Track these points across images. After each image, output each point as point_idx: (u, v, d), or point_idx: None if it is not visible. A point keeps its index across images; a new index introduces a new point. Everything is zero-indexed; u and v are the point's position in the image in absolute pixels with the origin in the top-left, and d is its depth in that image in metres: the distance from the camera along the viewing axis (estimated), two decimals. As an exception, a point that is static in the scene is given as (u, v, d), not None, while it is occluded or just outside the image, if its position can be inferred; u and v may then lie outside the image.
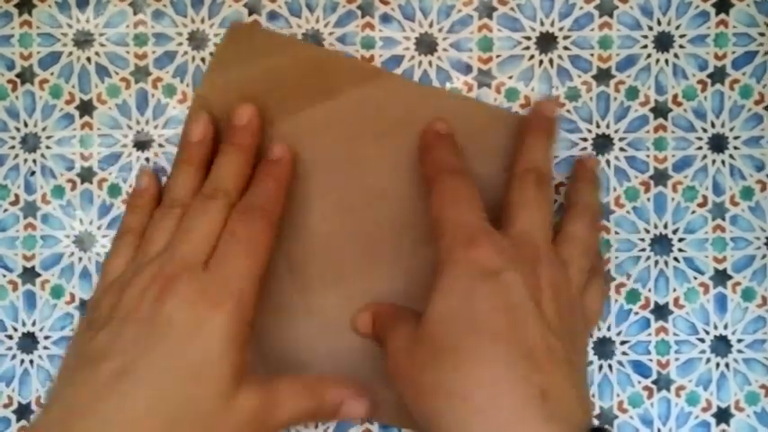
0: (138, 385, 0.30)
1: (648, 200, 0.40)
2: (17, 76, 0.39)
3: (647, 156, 0.40)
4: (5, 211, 0.39)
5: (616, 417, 0.39)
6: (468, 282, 0.31)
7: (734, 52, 0.40)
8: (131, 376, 0.30)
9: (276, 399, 0.33)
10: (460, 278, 0.31)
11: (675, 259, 0.40)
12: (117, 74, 0.39)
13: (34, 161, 0.39)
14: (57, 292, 0.39)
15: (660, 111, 0.40)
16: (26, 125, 0.39)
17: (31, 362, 0.39)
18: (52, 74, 0.39)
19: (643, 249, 0.40)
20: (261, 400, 0.32)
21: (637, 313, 0.40)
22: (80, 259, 0.39)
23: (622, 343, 0.39)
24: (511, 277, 0.31)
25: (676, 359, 0.40)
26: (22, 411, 0.39)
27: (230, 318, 0.31)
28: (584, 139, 0.40)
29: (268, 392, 0.32)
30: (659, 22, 0.39)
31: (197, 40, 0.39)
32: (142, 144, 0.39)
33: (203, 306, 0.31)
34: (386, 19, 0.39)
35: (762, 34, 0.40)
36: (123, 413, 0.29)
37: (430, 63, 0.39)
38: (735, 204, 0.40)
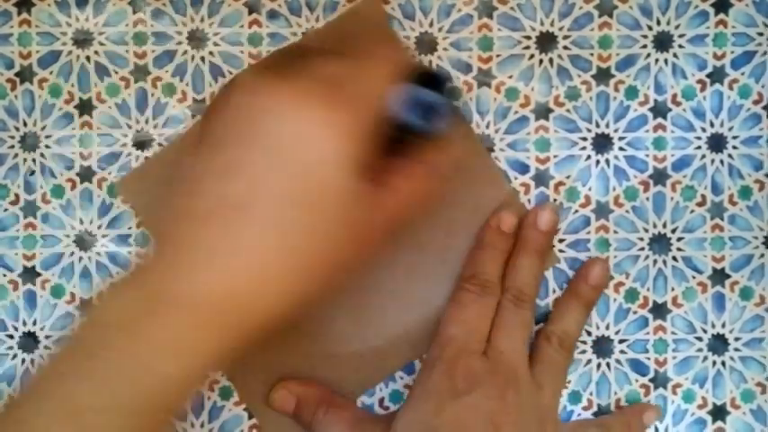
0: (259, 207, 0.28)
1: (647, 199, 0.40)
2: (16, 75, 0.39)
3: (647, 155, 0.40)
4: (5, 210, 0.39)
5: (614, 414, 0.40)
6: (438, 399, 0.35)
7: (733, 52, 0.40)
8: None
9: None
10: (432, 394, 0.35)
11: (674, 258, 0.40)
12: (116, 73, 0.39)
13: (34, 160, 0.39)
14: (57, 291, 0.39)
15: (659, 110, 0.40)
16: (25, 124, 0.39)
17: (32, 361, 0.39)
18: (51, 73, 0.39)
19: (642, 248, 0.40)
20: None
21: (635, 312, 0.40)
22: (80, 259, 0.39)
23: (621, 341, 0.40)
24: (476, 400, 0.34)
25: (674, 357, 0.40)
26: (24, 410, 0.39)
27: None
28: (584, 139, 0.40)
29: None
30: (659, 22, 0.40)
31: (196, 39, 0.39)
32: (142, 143, 0.39)
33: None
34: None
35: (760, 34, 0.40)
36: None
37: (430, 62, 0.39)
38: (733, 204, 0.40)
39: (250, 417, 0.39)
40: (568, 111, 0.40)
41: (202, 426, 0.39)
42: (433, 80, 0.32)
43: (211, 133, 0.30)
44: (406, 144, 0.32)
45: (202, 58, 0.39)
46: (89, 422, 0.26)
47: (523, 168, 0.40)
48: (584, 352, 0.40)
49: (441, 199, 0.38)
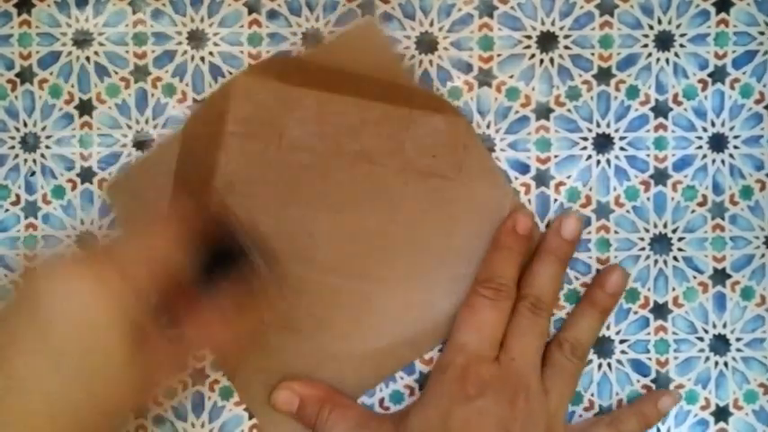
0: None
1: (648, 199, 0.40)
2: (16, 75, 0.39)
3: (647, 155, 0.40)
4: (6, 211, 0.39)
5: (615, 415, 0.40)
6: (449, 403, 0.35)
7: (734, 51, 0.40)
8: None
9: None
10: (443, 398, 0.36)
11: (675, 258, 0.40)
12: (116, 73, 0.39)
13: (34, 161, 0.39)
14: (58, 291, 0.39)
15: (660, 110, 0.40)
16: (26, 125, 0.39)
17: (33, 361, 0.39)
18: (51, 73, 0.39)
19: (642, 249, 0.40)
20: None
21: (636, 312, 0.40)
22: (81, 259, 0.39)
23: (621, 342, 0.40)
24: (485, 405, 0.35)
25: (675, 358, 0.40)
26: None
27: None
28: (585, 139, 0.40)
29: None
30: (660, 21, 0.39)
31: (196, 39, 0.39)
32: (142, 144, 0.39)
33: None
34: (386, 18, 0.39)
35: (762, 33, 0.40)
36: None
37: (430, 62, 0.39)
38: (734, 204, 0.40)
39: (250, 417, 0.39)
40: (569, 110, 0.40)
41: (203, 426, 0.39)
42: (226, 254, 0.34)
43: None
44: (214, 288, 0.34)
45: (202, 59, 0.39)
46: None
47: (524, 168, 0.40)
48: (584, 352, 0.40)
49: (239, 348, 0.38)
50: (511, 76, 0.40)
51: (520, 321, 0.37)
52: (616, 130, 0.40)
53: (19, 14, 0.39)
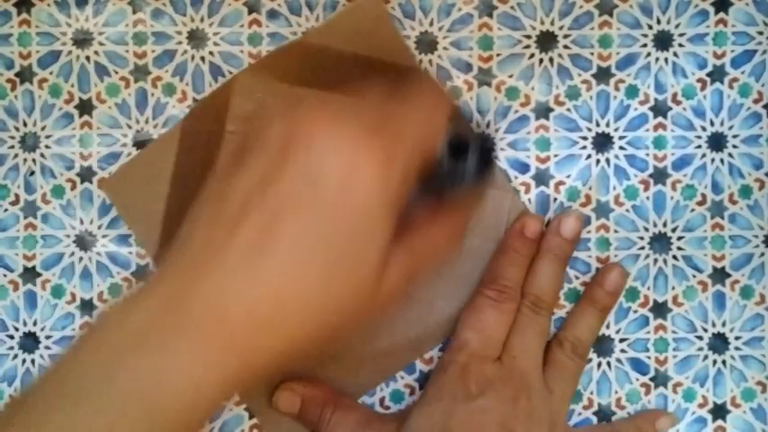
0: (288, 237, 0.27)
1: (648, 198, 0.40)
2: (16, 75, 0.39)
3: (647, 154, 0.40)
4: (5, 210, 0.39)
5: (614, 413, 0.40)
6: (451, 402, 0.35)
7: (733, 51, 0.40)
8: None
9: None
10: (445, 396, 0.36)
11: (674, 257, 0.40)
12: (116, 73, 0.39)
13: (34, 161, 0.39)
14: (57, 291, 0.39)
15: (659, 109, 0.40)
16: (25, 125, 0.39)
17: (33, 361, 0.39)
18: (51, 73, 0.39)
19: (642, 248, 0.40)
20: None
21: (635, 311, 0.40)
22: (80, 259, 0.39)
23: (621, 340, 0.40)
24: (488, 404, 0.35)
25: (674, 356, 0.40)
26: (24, 410, 0.39)
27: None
28: (584, 138, 0.40)
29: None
30: (659, 21, 0.40)
31: (196, 38, 0.39)
32: (142, 143, 0.39)
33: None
34: (386, 17, 0.39)
35: (761, 33, 0.40)
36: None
37: (430, 62, 0.39)
38: (733, 203, 0.40)
39: (251, 417, 0.39)
40: (569, 110, 0.40)
41: (203, 425, 0.39)
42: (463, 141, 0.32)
43: (251, 152, 0.29)
44: (440, 190, 0.32)
45: (202, 58, 0.39)
46: None
47: (524, 168, 0.40)
48: (584, 351, 0.40)
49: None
50: (510, 76, 0.40)
51: (521, 320, 0.37)
52: (615, 130, 0.40)
53: (19, 14, 0.39)
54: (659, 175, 0.40)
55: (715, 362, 0.40)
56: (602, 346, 0.40)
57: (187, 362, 0.26)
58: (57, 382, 0.27)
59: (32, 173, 0.39)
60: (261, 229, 0.27)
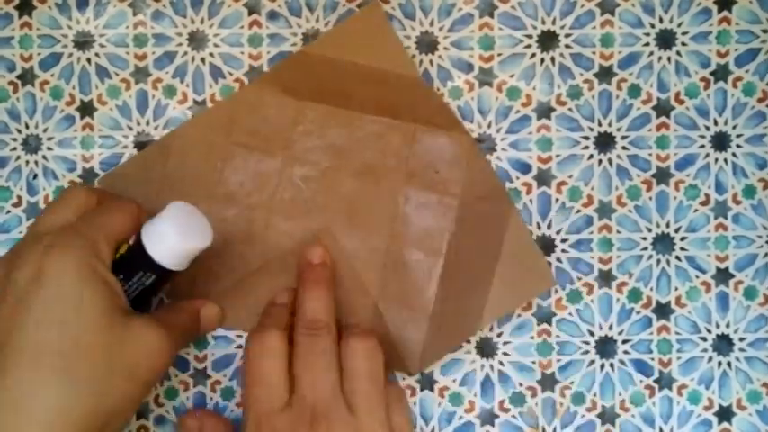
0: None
1: (650, 198, 0.40)
2: (18, 77, 0.39)
3: (650, 154, 0.39)
4: (8, 213, 0.39)
5: (618, 415, 0.39)
6: None
7: (737, 49, 0.39)
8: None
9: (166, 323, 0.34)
10: None
11: (677, 258, 0.40)
12: (117, 75, 0.39)
13: (36, 163, 0.39)
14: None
15: (662, 109, 0.39)
16: (27, 127, 0.39)
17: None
18: (53, 75, 0.39)
19: (645, 248, 0.40)
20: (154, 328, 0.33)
21: (639, 312, 0.39)
22: (82, 260, 0.39)
23: (624, 342, 0.39)
24: None
25: (678, 358, 0.40)
26: (27, 412, 0.39)
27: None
28: (586, 138, 0.39)
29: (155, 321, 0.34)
30: (661, 20, 0.39)
31: (197, 40, 0.39)
32: (143, 145, 0.39)
33: None
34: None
35: (765, 31, 0.39)
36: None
37: (431, 62, 0.39)
38: (737, 203, 0.40)
39: (252, 418, 0.39)
40: (570, 110, 0.39)
41: (204, 427, 0.39)
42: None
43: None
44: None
45: (203, 60, 0.39)
46: None
47: (525, 168, 0.39)
48: (587, 352, 0.39)
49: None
50: (512, 76, 0.39)
51: (299, 351, 0.35)
52: (618, 129, 0.39)
53: (20, 16, 0.39)
54: (662, 175, 0.39)
55: (720, 363, 0.40)
56: (605, 347, 0.39)
57: None
58: None
59: (35, 176, 0.39)
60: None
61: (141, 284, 0.34)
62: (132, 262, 0.33)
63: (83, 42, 0.39)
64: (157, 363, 0.33)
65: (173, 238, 0.33)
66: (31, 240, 0.33)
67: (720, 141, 0.39)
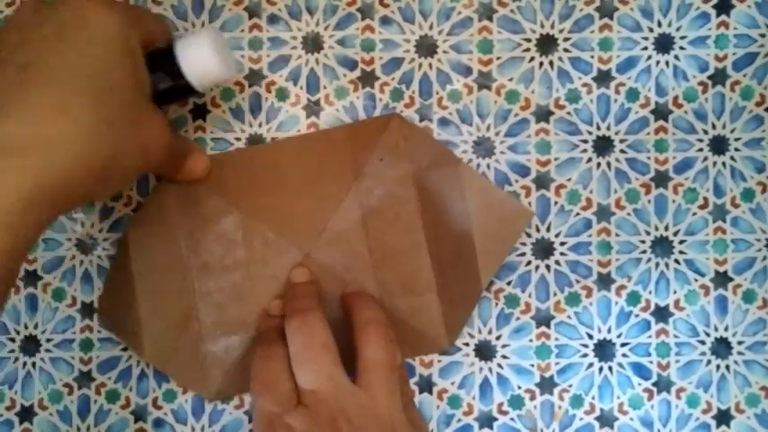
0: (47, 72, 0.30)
1: (649, 202, 0.40)
2: None
3: (648, 157, 0.40)
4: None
5: (616, 419, 0.39)
6: None
7: (735, 54, 0.40)
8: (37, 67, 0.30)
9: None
10: None
11: (676, 261, 0.40)
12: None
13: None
14: (58, 295, 0.39)
15: (661, 112, 0.40)
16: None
17: (34, 364, 0.39)
18: None
19: (644, 251, 0.40)
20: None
21: (637, 315, 0.40)
22: (81, 262, 0.39)
23: (623, 345, 0.40)
24: None
25: (677, 361, 0.40)
26: (25, 414, 0.39)
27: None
28: (585, 141, 0.40)
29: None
30: (659, 24, 0.39)
31: (197, 43, 0.39)
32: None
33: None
34: (386, 21, 0.39)
35: (762, 35, 0.39)
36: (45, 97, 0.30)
37: (430, 65, 0.39)
38: (735, 206, 0.40)
39: (250, 420, 0.39)
40: (569, 113, 0.40)
41: (203, 429, 0.39)
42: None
43: (11, 24, 0.32)
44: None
45: (203, 62, 0.39)
46: None
47: (524, 171, 0.40)
48: (585, 356, 0.40)
49: None
50: (510, 79, 0.40)
51: (294, 345, 0.34)
52: (616, 133, 0.40)
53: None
54: (661, 179, 0.40)
55: (718, 367, 0.40)
56: (604, 350, 0.40)
57: None
58: None
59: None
60: (25, 65, 0.30)
61: (155, 86, 0.34)
62: (156, 60, 0.34)
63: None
64: (159, 155, 0.34)
65: (206, 50, 0.34)
66: None
67: (719, 145, 0.40)
